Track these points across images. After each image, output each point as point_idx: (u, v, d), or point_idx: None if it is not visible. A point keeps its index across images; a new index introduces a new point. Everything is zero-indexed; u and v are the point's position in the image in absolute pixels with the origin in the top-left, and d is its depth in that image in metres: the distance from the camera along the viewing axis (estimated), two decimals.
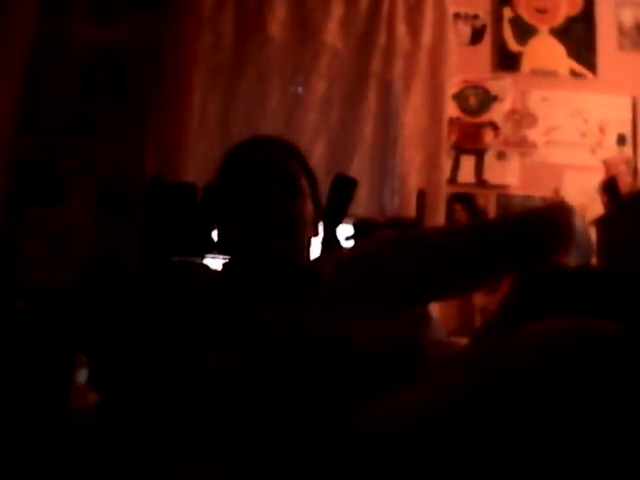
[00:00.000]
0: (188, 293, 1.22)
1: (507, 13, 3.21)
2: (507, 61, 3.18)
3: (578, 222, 1.08)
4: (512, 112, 3.13)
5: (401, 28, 3.04)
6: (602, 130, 3.13)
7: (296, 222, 1.17)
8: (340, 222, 1.76)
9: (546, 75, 3.18)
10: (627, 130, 3.13)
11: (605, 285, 0.86)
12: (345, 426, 0.94)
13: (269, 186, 1.16)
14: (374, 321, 1.07)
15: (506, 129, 3.11)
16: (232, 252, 1.23)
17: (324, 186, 1.68)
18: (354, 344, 1.02)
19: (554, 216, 1.11)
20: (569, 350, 0.72)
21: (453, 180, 3.04)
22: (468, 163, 3.08)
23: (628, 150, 3.12)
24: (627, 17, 3.24)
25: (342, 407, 0.98)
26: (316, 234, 1.26)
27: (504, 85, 3.14)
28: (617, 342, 0.71)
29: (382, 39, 3.03)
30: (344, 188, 1.82)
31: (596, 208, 2.73)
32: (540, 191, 3.02)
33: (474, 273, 1.16)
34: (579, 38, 3.21)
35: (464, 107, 3.11)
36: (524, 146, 3.11)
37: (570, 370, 0.71)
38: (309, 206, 1.21)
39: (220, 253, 1.28)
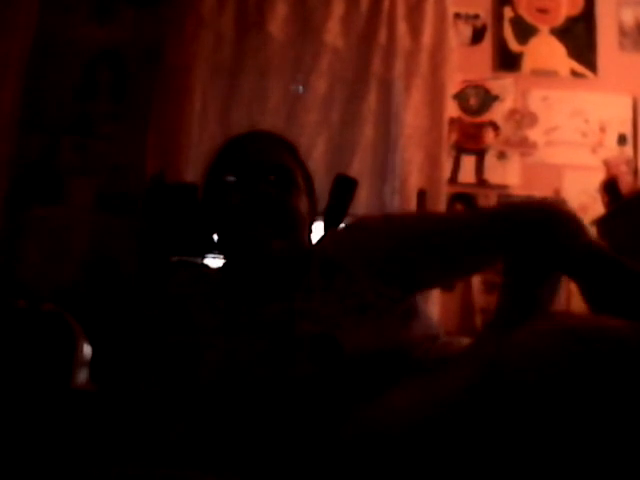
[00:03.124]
0: (183, 293, 1.21)
1: (508, 13, 3.20)
2: (508, 61, 3.17)
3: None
4: (513, 112, 3.12)
5: (402, 28, 3.04)
6: (603, 130, 3.12)
7: (294, 217, 1.16)
8: (341, 222, 1.75)
9: (547, 75, 3.17)
10: (628, 130, 3.13)
11: None
12: (342, 425, 0.94)
13: (266, 181, 1.15)
14: (364, 320, 1.05)
15: (507, 129, 3.11)
16: (230, 249, 1.21)
17: (324, 186, 1.67)
18: (345, 345, 1.01)
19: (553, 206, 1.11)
20: (578, 354, 0.71)
21: (453, 180, 3.04)
22: (469, 163, 3.07)
23: (629, 150, 3.12)
24: (628, 17, 3.24)
25: (333, 407, 0.97)
26: (310, 231, 1.24)
27: (505, 85, 3.14)
28: (628, 342, 0.71)
29: (383, 38, 3.02)
30: (344, 188, 1.81)
31: (597, 208, 2.73)
32: (541, 191, 3.01)
33: (468, 254, 1.14)
34: (580, 38, 3.20)
35: (465, 107, 3.11)
36: (525, 146, 3.10)
37: (578, 373, 0.71)
38: (305, 201, 1.20)
39: (220, 253, 1.27)
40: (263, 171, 1.16)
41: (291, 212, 1.16)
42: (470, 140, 3.09)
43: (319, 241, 1.28)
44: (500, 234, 1.09)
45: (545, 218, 1.03)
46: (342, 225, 1.75)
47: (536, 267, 1.04)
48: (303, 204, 1.19)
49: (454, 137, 3.07)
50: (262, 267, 1.14)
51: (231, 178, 1.17)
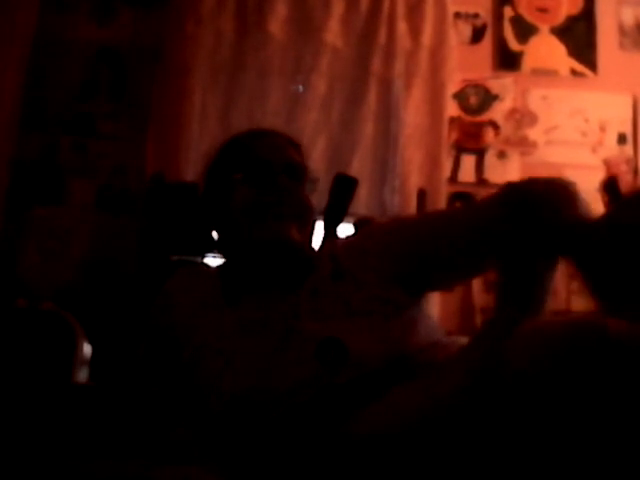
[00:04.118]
0: (183, 292, 1.20)
1: (508, 12, 3.20)
2: (508, 60, 3.17)
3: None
4: (513, 111, 3.12)
5: (402, 27, 3.04)
6: (602, 129, 3.12)
7: (309, 211, 1.17)
8: (341, 221, 1.76)
9: (547, 74, 3.17)
10: (627, 129, 3.13)
11: None
12: (343, 426, 0.94)
13: (278, 176, 1.15)
14: (370, 324, 1.05)
15: (506, 128, 3.11)
16: (236, 247, 1.20)
17: (324, 185, 1.68)
18: (350, 348, 1.01)
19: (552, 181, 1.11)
20: (576, 354, 0.71)
21: (453, 179, 3.04)
22: (468, 162, 3.07)
23: (629, 149, 3.12)
24: (628, 16, 3.24)
25: (336, 409, 0.97)
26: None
27: (505, 84, 3.14)
28: (630, 344, 0.71)
29: (383, 38, 3.02)
30: (345, 187, 1.82)
31: (596, 207, 2.72)
32: None
33: (474, 251, 1.13)
34: (580, 37, 3.21)
35: (465, 106, 3.11)
36: (524, 145, 3.10)
37: (579, 376, 0.70)
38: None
39: (220, 252, 1.26)
40: (274, 168, 1.16)
41: (306, 206, 1.16)
42: (470, 139, 3.09)
43: (326, 243, 1.28)
44: (501, 230, 1.08)
45: (544, 200, 1.04)
46: (343, 224, 1.76)
47: (532, 264, 1.04)
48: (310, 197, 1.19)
49: (454, 136, 3.07)
50: (280, 257, 1.13)
51: (239, 176, 1.17)
